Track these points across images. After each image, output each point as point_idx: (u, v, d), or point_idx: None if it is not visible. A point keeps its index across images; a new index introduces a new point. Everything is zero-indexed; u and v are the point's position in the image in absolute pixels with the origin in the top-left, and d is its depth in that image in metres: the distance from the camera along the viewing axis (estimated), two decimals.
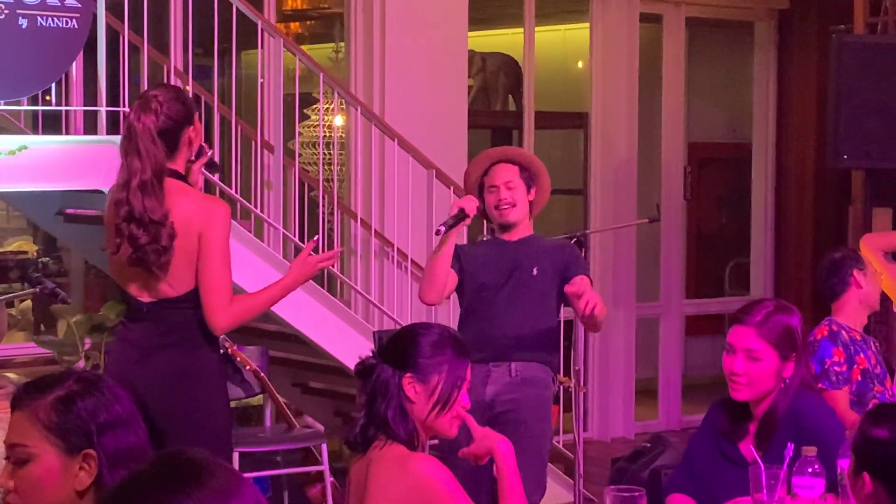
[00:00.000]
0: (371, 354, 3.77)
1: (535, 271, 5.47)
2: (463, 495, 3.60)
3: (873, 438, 3.17)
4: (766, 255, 10.92)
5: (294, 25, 10.61)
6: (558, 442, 8.17)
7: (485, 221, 6.44)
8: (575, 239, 6.17)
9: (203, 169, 4.82)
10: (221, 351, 6.83)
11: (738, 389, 4.00)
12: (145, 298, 4.56)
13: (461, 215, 5.25)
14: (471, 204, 5.30)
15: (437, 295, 5.47)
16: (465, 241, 6.58)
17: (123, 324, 4.77)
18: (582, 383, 7.08)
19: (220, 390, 4.76)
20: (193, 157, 4.68)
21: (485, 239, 5.95)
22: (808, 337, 4.42)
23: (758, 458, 3.77)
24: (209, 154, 4.73)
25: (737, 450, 4.05)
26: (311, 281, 7.46)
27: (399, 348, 3.75)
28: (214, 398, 4.65)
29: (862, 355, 5.58)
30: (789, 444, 3.71)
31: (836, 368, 5.51)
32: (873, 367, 5.62)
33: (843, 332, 5.60)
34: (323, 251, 7.66)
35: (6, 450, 2.62)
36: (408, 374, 3.68)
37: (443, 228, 5.25)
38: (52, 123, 7.32)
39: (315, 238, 4.93)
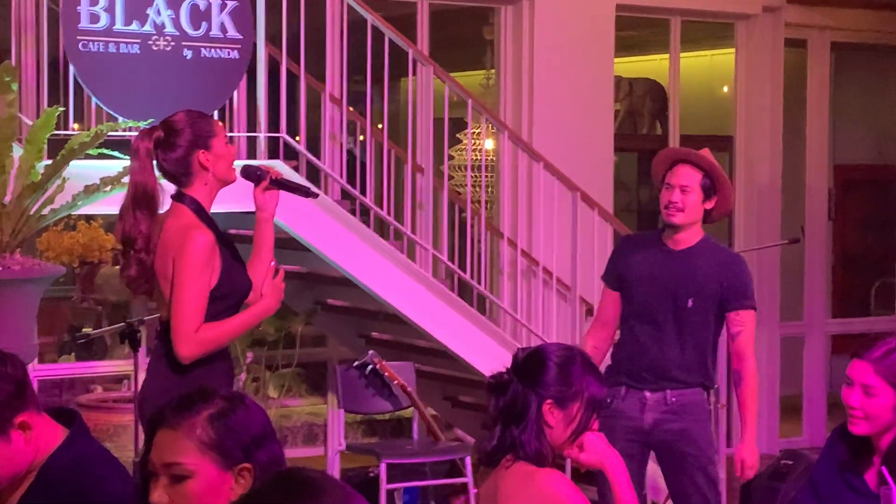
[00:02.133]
0: (505, 371, 3.69)
1: (689, 303, 5.15)
2: None
3: None
4: None
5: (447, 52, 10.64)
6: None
7: None
8: None
9: (279, 189, 4.52)
10: (370, 367, 6.92)
11: (856, 423, 3.87)
12: (162, 320, 4.40)
13: None
14: None
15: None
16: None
17: None
18: (724, 400, 6.97)
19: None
20: (254, 185, 4.48)
21: (651, 233, 5.53)
22: None
23: (889, 478, 3.62)
24: (269, 177, 4.46)
25: (862, 481, 3.90)
26: (461, 300, 7.50)
27: (539, 370, 3.65)
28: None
29: None
30: None
31: None
32: None
33: None
34: (473, 270, 7.70)
35: (159, 468, 2.58)
36: (549, 401, 3.59)
37: None
38: None
39: (274, 265, 4.51)
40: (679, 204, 5.14)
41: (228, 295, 4.31)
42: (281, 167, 6.86)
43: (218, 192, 4.42)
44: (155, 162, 4.35)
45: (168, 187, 4.43)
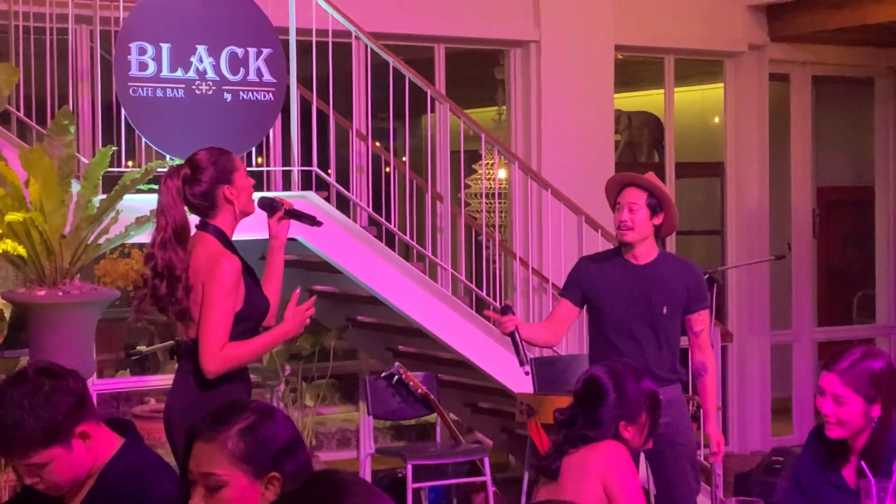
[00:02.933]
0: (570, 405, 3.73)
1: (664, 310, 5.21)
2: (636, 477, 3.58)
3: None
4: (890, 286, 10.58)
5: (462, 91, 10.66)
6: (699, 455, 7.99)
7: None
8: (707, 275, 6.00)
9: (293, 221, 4.55)
10: (397, 377, 6.92)
11: (832, 429, 3.86)
12: (185, 339, 4.35)
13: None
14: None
15: (556, 339, 5.38)
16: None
17: None
18: (718, 403, 6.95)
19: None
20: (268, 215, 4.48)
21: (609, 252, 5.54)
22: None
23: (868, 471, 3.61)
24: (284, 208, 4.48)
25: (841, 477, 3.89)
26: (477, 315, 7.51)
27: (600, 400, 3.70)
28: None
29: None
30: None
31: None
32: None
33: None
34: (489, 288, 7.71)
35: (197, 478, 2.59)
36: (622, 423, 3.64)
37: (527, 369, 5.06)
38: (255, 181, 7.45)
39: (299, 292, 4.52)
40: (629, 223, 5.22)
41: (250, 317, 4.31)
42: (313, 199, 6.90)
43: (239, 221, 4.40)
44: (184, 195, 4.33)
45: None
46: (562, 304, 5.43)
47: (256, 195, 4.48)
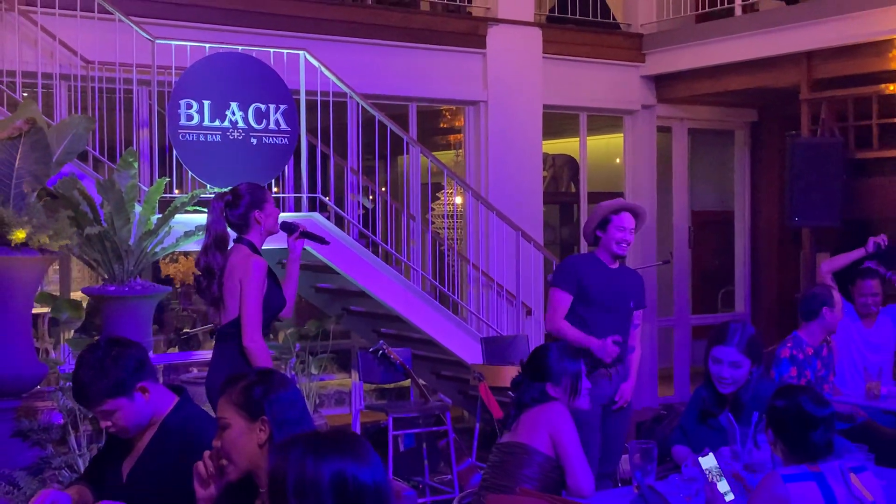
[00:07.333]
0: (519, 373, 3.74)
1: (631, 304, 5.00)
2: (575, 430, 3.56)
3: (774, 407, 3.07)
4: (745, 284, 10.66)
5: (429, 138, 10.65)
6: None
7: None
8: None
9: (306, 240, 4.55)
10: (381, 352, 6.88)
11: (726, 387, 3.91)
12: (219, 323, 4.36)
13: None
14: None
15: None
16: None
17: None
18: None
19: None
20: (288, 235, 4.49)
21: (590, 256, 5.07)
22: (767, 346, 4.21)
23: (733, 421, 3.64)
24: (300, 230, 4.50)
25: (717, 421, 3.93)
26: (441, 305, 7.49)
27: (538, 365, 3.70)
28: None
29: (809, 371, 5.12)
30: (755, 412, 3.59)
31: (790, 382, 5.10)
32: (817, 374, 5.17)
33: (800, 355, 5.11)
34: (449, 285, 7.70)
35: (218, 421, 2.70)
36: (548, 383, 3.65)
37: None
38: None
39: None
40: (630, 242, 4.93)
41: (268, 308, 4.29)
42: (318, 218, 6.86)
43: (266, 238, 4.41)
44: (225, 215, 4.37)
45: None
46: (564, 296, 4.97)
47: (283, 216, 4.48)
